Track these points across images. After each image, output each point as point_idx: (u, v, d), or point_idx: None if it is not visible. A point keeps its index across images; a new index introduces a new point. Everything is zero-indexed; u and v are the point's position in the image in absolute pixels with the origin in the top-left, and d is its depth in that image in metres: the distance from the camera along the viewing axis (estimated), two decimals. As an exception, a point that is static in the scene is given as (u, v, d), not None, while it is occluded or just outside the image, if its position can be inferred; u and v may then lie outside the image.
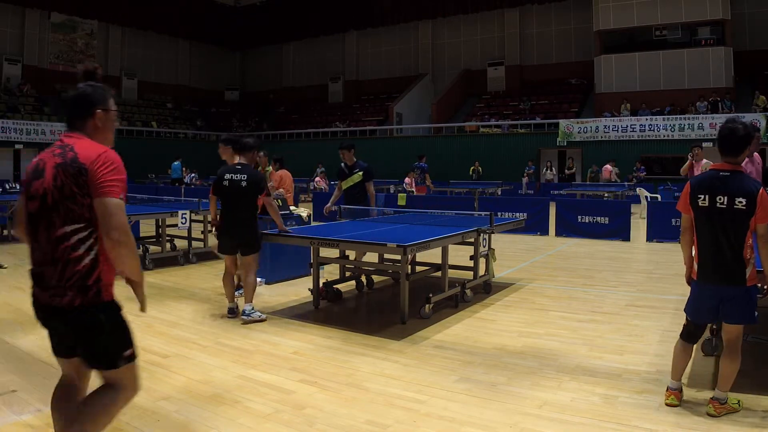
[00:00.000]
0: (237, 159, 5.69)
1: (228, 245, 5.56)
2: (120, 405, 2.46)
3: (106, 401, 2.42)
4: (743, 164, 3.61)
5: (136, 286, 2.45)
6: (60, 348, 2.47)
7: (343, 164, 7.79)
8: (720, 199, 3.29)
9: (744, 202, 3.23)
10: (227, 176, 5.49)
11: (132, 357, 2.44)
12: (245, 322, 5.35)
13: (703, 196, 3.35)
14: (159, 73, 35.11)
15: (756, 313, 3.33)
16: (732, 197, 3.26)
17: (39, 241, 2.31)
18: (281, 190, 8.30)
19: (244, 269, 5.53)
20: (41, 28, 29.82)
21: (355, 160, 7.69)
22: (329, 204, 7.85)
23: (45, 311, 2.33)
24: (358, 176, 7.59)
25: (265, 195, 5.56)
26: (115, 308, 2.41)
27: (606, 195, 15.33)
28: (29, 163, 2.41)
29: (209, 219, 6.44)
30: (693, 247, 3.52)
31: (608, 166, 19.74)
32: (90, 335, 2.32)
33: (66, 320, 2.29)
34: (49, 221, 2.26)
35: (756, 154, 6.80)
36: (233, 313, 5.61)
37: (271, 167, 8.88)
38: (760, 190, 3.25)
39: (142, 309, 2.52)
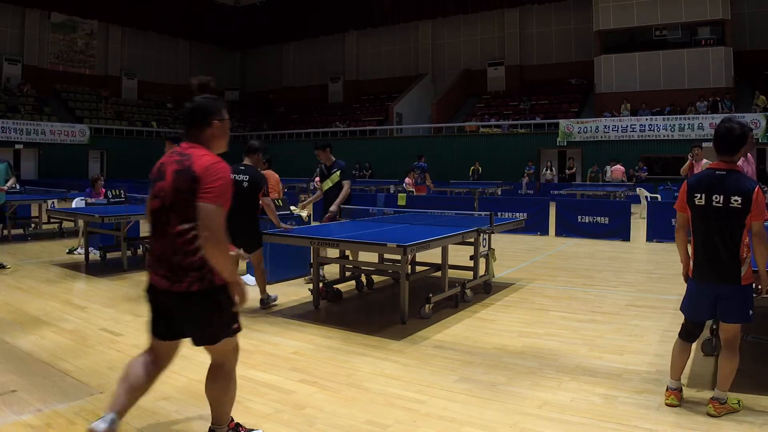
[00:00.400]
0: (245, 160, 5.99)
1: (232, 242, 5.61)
2: (232, 374, 2.85)
3: (220, 384, 2.82)
4: (740, 164, 3.62)
5: (231, 284, 2.68)
6: (164, 330, 2.75)
7: (322, 165, 7.52)
8: (716, 197, 3.31)
9: (739, 201, 3.25)
10: (235, 177, 5.62)
11: (238, 329, 2.78)
12: (267, 308, 5.91)
13: (699, 195, 3.38)
14: (159, 73, 35.13)
15: (751, 312, 3.34)
16: (728, 196, 3.28)
17: (159, 234, 2.67)
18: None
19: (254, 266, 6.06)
20: (41, 28, 29.84)
21: (333, 159, 7.35)
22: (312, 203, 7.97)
23: (163, 296, 2.65)
24: (336, 176, 7.29)
25: (261, 195, 5.76)
26: (227, 290, 2.67)
27: (618, 194, 15.25)
28: (155, 165, 2.75)
29: None
30: (689, 245, 3.53)
31: (620, 167, 19.57)
32: (208, 314, 2.66)
33: (186, 302, 2.62)
34: (167, 218, 2.62)
35: (749, 154, 6.83)
36: (265, 303, 6.03)
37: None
38: (756, 189, 3.27)
39: (241, 302, 2.74)
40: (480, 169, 23.99)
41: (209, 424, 2.91)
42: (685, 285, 3.59)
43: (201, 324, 2.68)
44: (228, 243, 2.60)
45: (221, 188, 2.56)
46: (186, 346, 4.72)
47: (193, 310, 2.64)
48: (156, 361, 2.80)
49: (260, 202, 5.79)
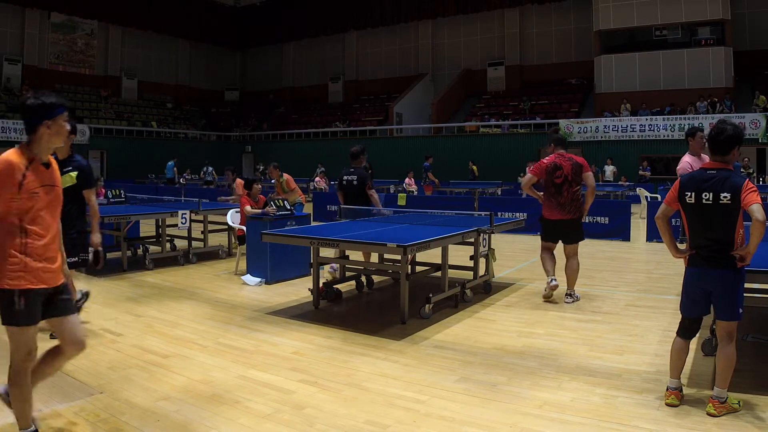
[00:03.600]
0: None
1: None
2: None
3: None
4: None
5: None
6: None
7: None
8: (705, 195, 3.40)
9: (728, 197, 3.33)
10: (344, 177, 7.50)
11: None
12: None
13: (689, 194, 3.47)
14: (159, 73, 35.10)
15: (741, 310, 3.39)
16: (717, 193, 3.36)
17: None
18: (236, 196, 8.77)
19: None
20: (41, 28, 29.82)
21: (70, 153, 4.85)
22: None
23: None
24: (70, 177, 4.70)
25: (367, 189, 7.33)
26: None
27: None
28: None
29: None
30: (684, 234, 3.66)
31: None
32: None
33: None
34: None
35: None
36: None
37: (284, 176, 9.29)
38: (745, 182, 3.36)
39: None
40: (475, 168, 23.92)
41: (209, 424, 2.90)
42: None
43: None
44: None
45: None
46: (186, 346, 4.72)
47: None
48: None
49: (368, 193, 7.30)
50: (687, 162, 6.13)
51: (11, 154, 2.68)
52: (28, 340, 2.75)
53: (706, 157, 6.81)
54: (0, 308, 2.67)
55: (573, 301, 6.17)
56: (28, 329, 2.73)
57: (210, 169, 24.72)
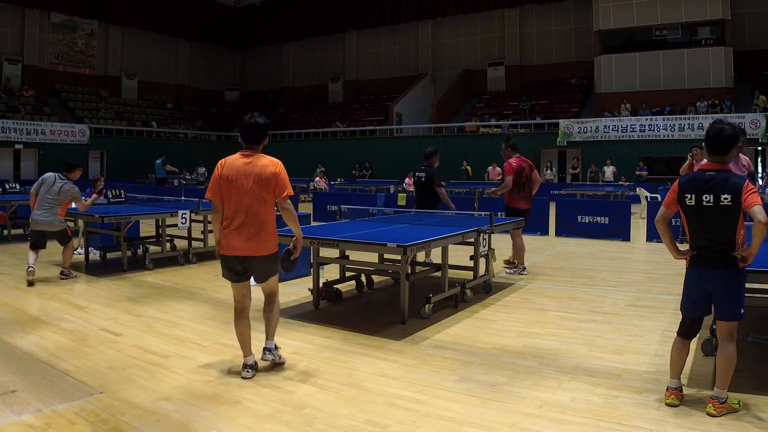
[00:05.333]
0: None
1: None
2: None
3: None
4: (731, 165, 3.67)
5: None
6: None
7: None
8: (706, 197, 3.38)
9: (729, 198, 3.32)
10: (417, 174, 8.42)
11: None
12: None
13: (689, 196, 3.45)
14: (159, 73, 35.12)
15: (742, 311, 3.39)
16: (717, 194, 3.35)
17: None
18: None
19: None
20: (41, 28, 29.82)
21: None
22: None
23: None
24: None
25: (436, 186, 8.07)
26: None
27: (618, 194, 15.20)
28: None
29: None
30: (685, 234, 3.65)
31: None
32: None
33: None
34: None
35: (745, 157, 6.87)
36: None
37: None
38: (745, 183, 3.34)
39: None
40: (469, 168, 23.86)
41: (209, 424, 2.91)
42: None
43: None
44: None
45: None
46: (186, 346, 4.72)
47: None
48: None
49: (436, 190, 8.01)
50: None
51: None
52: None
53: (742, 158, 6.82)
54: None
55: (514, 272, 7.70)
56: None
57: (203, 169, 24.63)
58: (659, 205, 3.77)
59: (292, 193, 4.10)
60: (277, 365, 4.16)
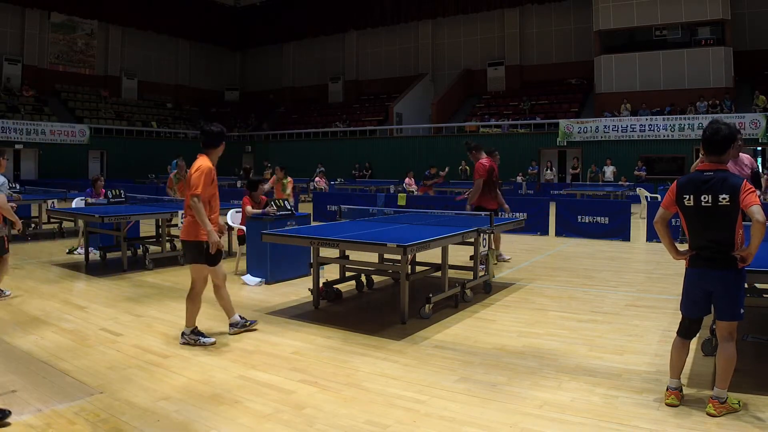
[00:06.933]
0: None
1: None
2: None
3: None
4: (730, 165, 3.69)
5: None
6: None
7: None
8: (704, 197, 3.39)
9: (727, 198, 3.32)
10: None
11: None
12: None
13: (688, 196, 3.46)
14: (159, 73, 35.12)
15: (742, 311, 3.39)
16: (716, 195, 3.35)
17: None
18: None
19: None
20: (41, 28, 29.83)
21: None
22: None
23: None
24: None
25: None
26: None
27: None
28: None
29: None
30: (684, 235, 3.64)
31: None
32: None
33: None
34: None
35: (746, 156, 6.85)
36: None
37: (288, 178, 10.50)
38: (743, 182, 3.34)
39: None
40: (468, 168, 23.85)
41: (209, 424, 2.91)
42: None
43: None
44: None
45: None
46: (186, 346, 4.72)
47: None
48: None
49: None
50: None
51: None
52: None
53: (744, 157, 6.80)
54: None
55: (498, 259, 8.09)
56: None
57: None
58: (659, 205, 3.76)
59: (198, 193, 4.50)
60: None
